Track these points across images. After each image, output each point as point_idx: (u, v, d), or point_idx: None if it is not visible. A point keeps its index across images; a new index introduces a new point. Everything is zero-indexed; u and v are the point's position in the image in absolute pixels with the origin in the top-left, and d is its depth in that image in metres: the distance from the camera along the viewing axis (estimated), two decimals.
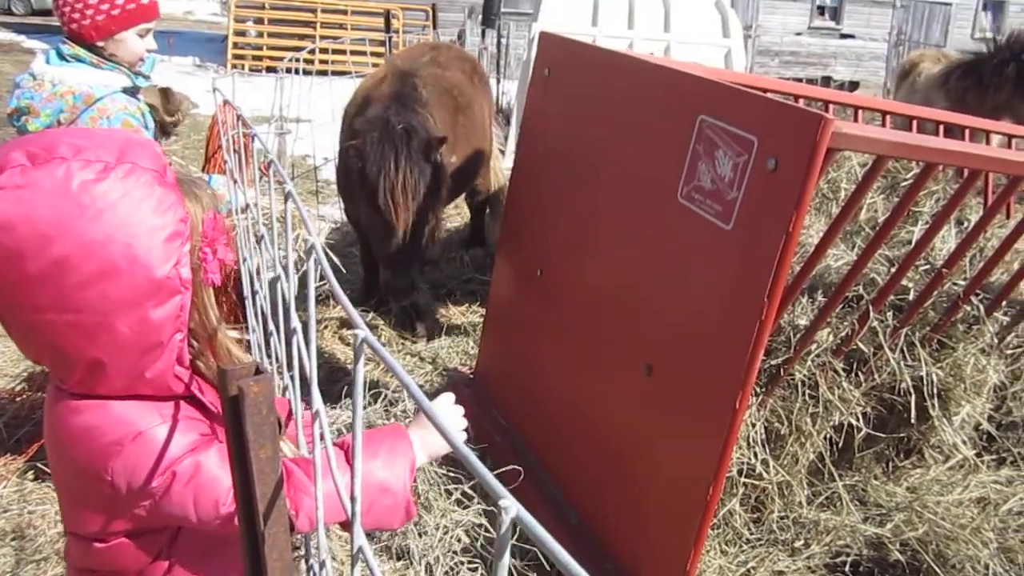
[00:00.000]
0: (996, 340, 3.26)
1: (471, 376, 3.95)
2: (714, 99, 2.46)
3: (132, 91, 3.07)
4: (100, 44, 2.99)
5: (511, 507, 0.74)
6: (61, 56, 2.97)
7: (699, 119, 2.48)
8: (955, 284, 3.23)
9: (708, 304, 2.45)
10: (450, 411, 1.84)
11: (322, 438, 1.17)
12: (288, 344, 1.97)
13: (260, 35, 19.44)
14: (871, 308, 2.90)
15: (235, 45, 18.99)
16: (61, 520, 1.59)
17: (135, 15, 3.03)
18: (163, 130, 3.27)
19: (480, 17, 16.20)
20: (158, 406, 1.41)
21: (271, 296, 2.43)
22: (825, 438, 3.09)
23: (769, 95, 3.50)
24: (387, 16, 10.04)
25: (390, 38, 8.96)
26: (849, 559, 3.13)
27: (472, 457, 0.87)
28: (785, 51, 23.06)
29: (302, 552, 1.47)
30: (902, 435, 3.29)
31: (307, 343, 1.56)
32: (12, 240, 1.23)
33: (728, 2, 12.13)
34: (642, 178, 2.78)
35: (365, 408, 3.85)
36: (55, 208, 1.24)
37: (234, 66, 18.17)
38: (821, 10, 23.56)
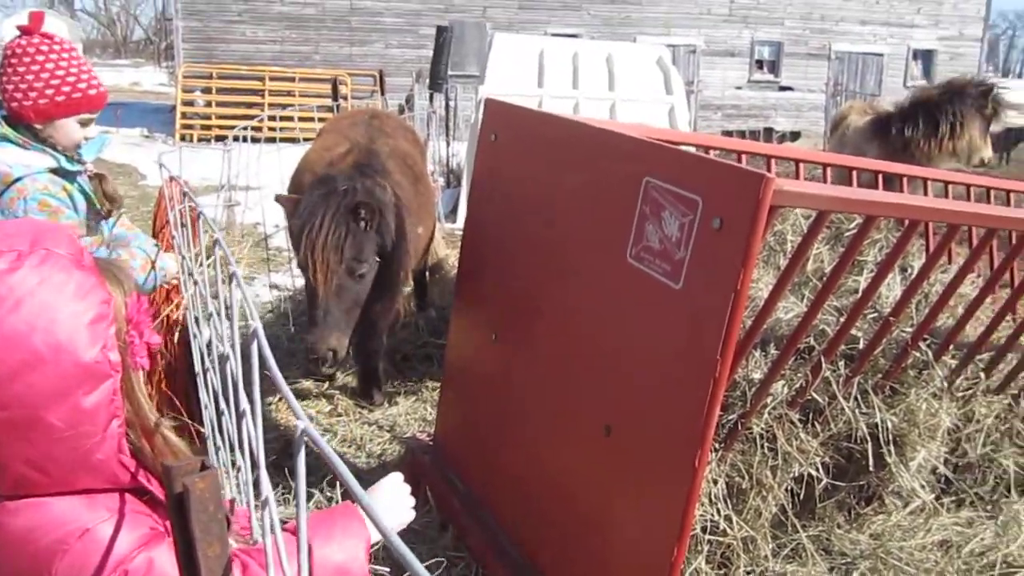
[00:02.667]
0: (946, 384, 3.32)
1: (430, 443, 3.90)
2: (658, 161, 2.50)
3: (64, 173, 3.01)
4: (38, 126, 2.95)
5: None
6: None
7: (645, 181, 2.52)
8: (903, 331, 3.28)
9: (662, 363, 2.46)
10: (397, 492, 1.82)
11: (274, 527, 1.15)
12: (238, 429, 1.93)
13: (208, 104, 19.47)
14: (823, 359, 2.94)
15: (183, 115, 18.99)
16: None
17: (80, 104, 3.00)
18: (95, 215, 3.21)
19: (427, 81, 16.43)
20: (103, 500, 1.34)
21: (222, 374, 2.40)
22: (786, 490, 3.09)
23: (712, 153, 3.59)
24: (334, 83, 10.14)
25: (338, 105, 9.02)
26: None
27: (408, 556, 0.85)
28: (727, 104, 23.69)
29: None
30: (862, 483, 3.30)
31: (254, 426, 1.53)
32: None
33: (670, 60, 12.48)
34: (592, 240, 2.80)
35: (319, 488, 3.78)
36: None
37: (183, 136, 18.14)
38: (760, 64, 24.29)
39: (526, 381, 3.15)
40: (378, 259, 4.13)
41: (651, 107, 11.38)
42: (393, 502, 1.80)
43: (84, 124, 3.07)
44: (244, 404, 1.94)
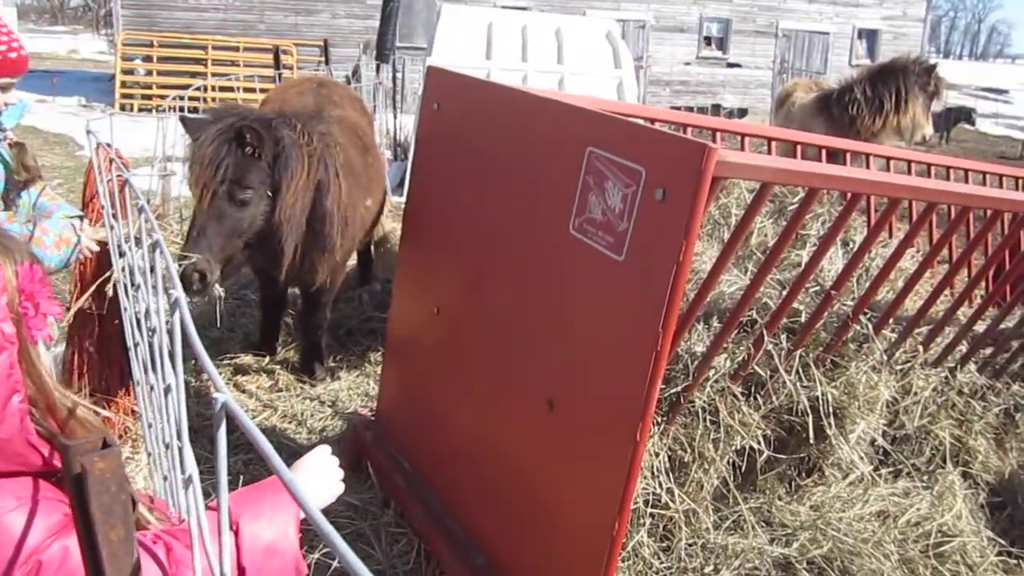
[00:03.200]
0: (885, 357, 3.35)
1: (372, 418, 3.84)
2: (601, 131, 2.46)
3: None
4: None
5: None
6: None
7: (588, 151, 2.47)
8: (844, 304, 3.30)
9: (605, 336, 2.43)
10: (324, 465, 1.77)
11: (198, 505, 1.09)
12: (166, 403, 1.85)
13: (149, 73, 18.92)
14: (765, 332, 2.94)
15: (123, 84, 18.43)
16: None
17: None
18: (14, 185, 3.08)
19: (374, 52, 16.17)
20: (10, 487, 1.26)
21: (149, 347, 2.31)
22: (728, 463, 3.10)
23: (658, 125, 3.55)
24: (276, 52, 9.90)
25: (280, 74, 8.81)
26: None
27: (333, 536, 0.80)
28: (675, 81, 23.76)
29: None
30: (802, 455, 3.33)
31: (177, 401, 1.46)
32: None
33: (619, 35, 12.44)
34: (535, 211, 2.76)
35: (251, 464, 3.70)
36: None
37: (122, 106, 17.62)
38: (708, 41, 24.39)
39: (469, 355, 3.10)
40: (270, 194, 3.91)
41: (600, 81, 11.33)
42: (320, 476, 1.75)
43: (3, 89, 2.93)
44: (170, 378, 1.87)
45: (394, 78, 11.84)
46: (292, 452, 4.00)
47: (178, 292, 1.49)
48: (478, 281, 3.05)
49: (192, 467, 1.21)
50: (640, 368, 2.25)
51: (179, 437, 1.39)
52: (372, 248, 6.03)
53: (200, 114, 4.07)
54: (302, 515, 1.54)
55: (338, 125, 4.55)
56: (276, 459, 0.94)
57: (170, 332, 1.54)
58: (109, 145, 3.41)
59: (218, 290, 4.01)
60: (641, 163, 2.28)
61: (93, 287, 3.42)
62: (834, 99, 6.59)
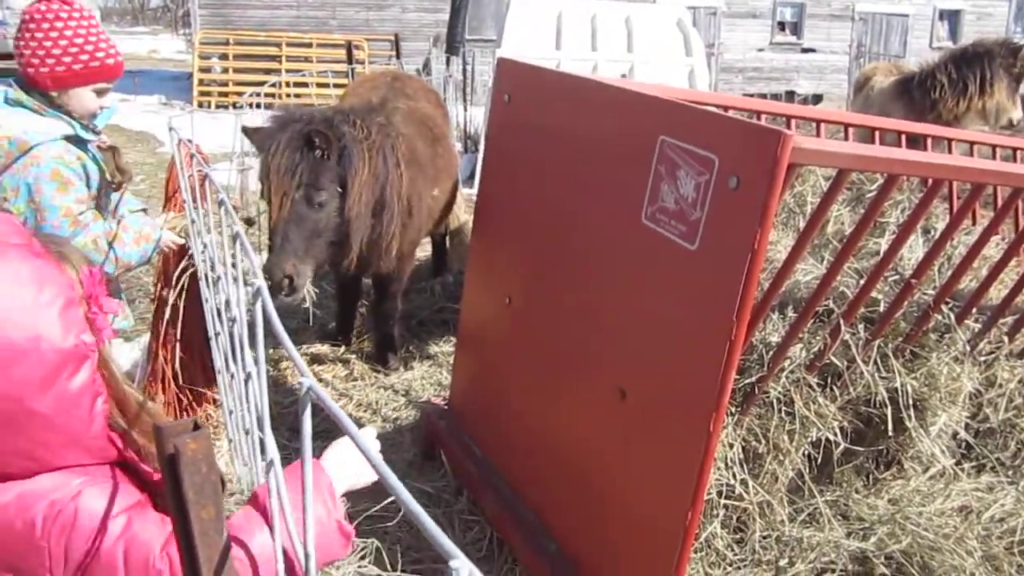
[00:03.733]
0: (968, 347, 3.25)
1: (445, 407, 3.89)
2: (673, 119, 2.44)
3: (77, 140, 2.99)
4: (53, 93, 2.92)
5: (463, 568, 0.69)
6: (6, 100, 2.90)
7: (660, 140, 2.46)
8: (924, 294, 3.22)
9: (678, 325, 2.42)
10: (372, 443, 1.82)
11: (280, 489, 1.13)
12: (246, 391, 1.91)
13: (225, 71, 19.38)
14: (842, 321, 2.88)
15: (201, 82, 18.91)
16: None
17: (97, 73, 2.97)
18: (107, 186, 3.20)
19: (444, 45, 16.28)
20: (92, 470, 1.35)
21: (230, 337, 2.38)
22: (803, 454, 3.06)
23: (731, 113, 3.51)
24: (349, 47, 10.04)
25: (353, 69, 8.94)
26: (834, 575, 3.09)
27: (425, 519, 0.82)
28: (748, 67, 23.34)
29: None
30: (880, 447, 3.26)
31: (259, 387, 1.51)
32: None
33: (690, 22, 12.27)
34: (606, 201, 2.75)
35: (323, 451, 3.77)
36: None
37: (200, 103, 18.10)
38: (782, 26, 23.88)
39: (540, 345, 3.12)
40: (339, 190, 4.00)
41: (670, 69, 11.22)
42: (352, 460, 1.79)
43: (100, 93, 3.04)
44: (251, 366, 1.93)
45: (464, 71, 11.91)
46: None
47: (259, 282, 1.54)
48: (549, 271, 3.06)
49: (273, 451, 1.25)
50: (714, 357, 2.23)
51: (260, 425, 1.44)
52: (447, 239, 6.09)
53: (262, 123, 4.15)
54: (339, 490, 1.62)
55: (402, 115, 4.60)
56: (361, 439, 0.97)
57: (251, 322, 1.58)
58: (190, 141, 3.52)
59: (308, 291, 4.11)
60: (714, 151, 2.26)
61: (176, 280, 3.54)
62: (915, 83, 6.40)
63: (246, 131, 4.21)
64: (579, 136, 2.90)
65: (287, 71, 19.02)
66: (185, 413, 3.89)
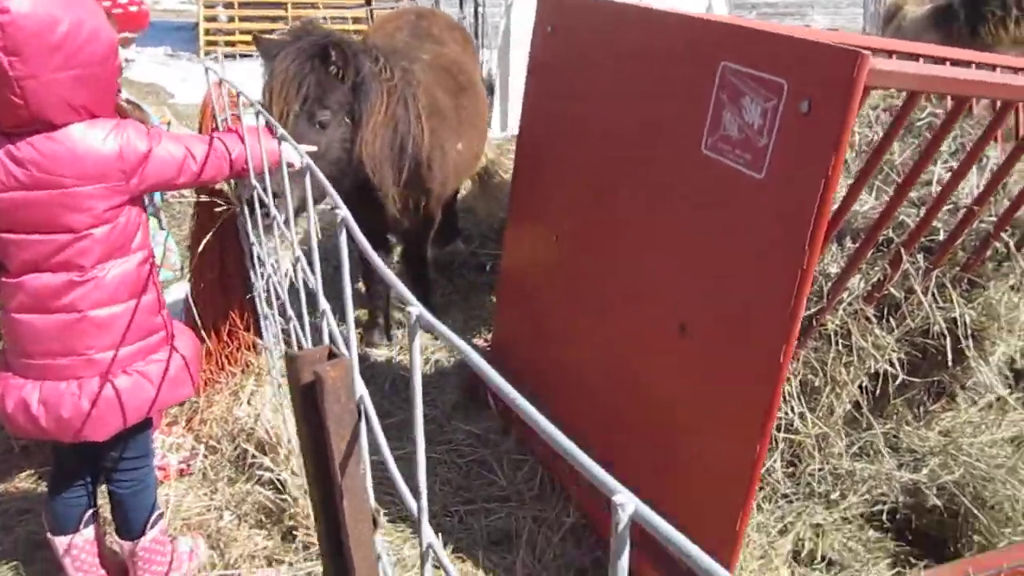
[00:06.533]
0: None
1: (488, 348, 3.86)
2: (736, 43, 2.36)
3: None
4: None
5: (628, 503, 0.65)
6: None
7: (721, 66, 2.38)
8: (983, 222, 3.15)
9: (743, 256, 2.37)
10: None
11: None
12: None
13: (231, 19, 19.07)
14: (903, 251, 2.82)
15: (206, 32, 18.62)
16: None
17: (120, 22, 2.91)
18: None
19: None
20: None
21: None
22: (860, 387, 3.02)
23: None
24: None
25: (371, 11, 8.73)
26: (886, 507, 3.08)
27: (578, 453, 0.78)
28: (761, 2, 22.82)
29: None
30: (934, 379, 3.22)
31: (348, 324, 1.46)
32: (35, 24, 2.00)
33: None
34: (661, 132, 2.68)
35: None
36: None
37: (206, 53, 17.85)
38: None
39: (592, 282, 3.07)
40: (348, 121, 3.62)
41: (688, 2, 10.97)
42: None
43: (123, 44, 2.97)
44: (323, 304, 1.87)
45: (476, 12, 11.69)
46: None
47: (343, 212, 1.48)
48: (601, 207, 3.00)
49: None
50: (784, 288, 2.19)
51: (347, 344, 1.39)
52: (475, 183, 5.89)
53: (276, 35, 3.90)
54: None
55: (426, 64, 4.31)
56: (474, 356, 0.92)
57: (314, 282, 1.51)
58: (224, 83, 3.44)
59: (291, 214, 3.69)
60: (783, 75, 2.18)
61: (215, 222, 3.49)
62: (950, 11, 6.19)
63: (256, 39, 3.88)
64: (630, 65, 2.82)
65: (294, 18, 18.71)
66: (226, 359, 3.87)
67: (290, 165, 2.69)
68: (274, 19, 18.62)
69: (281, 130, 2.14)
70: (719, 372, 2.48)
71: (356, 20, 11.59)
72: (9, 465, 3.53)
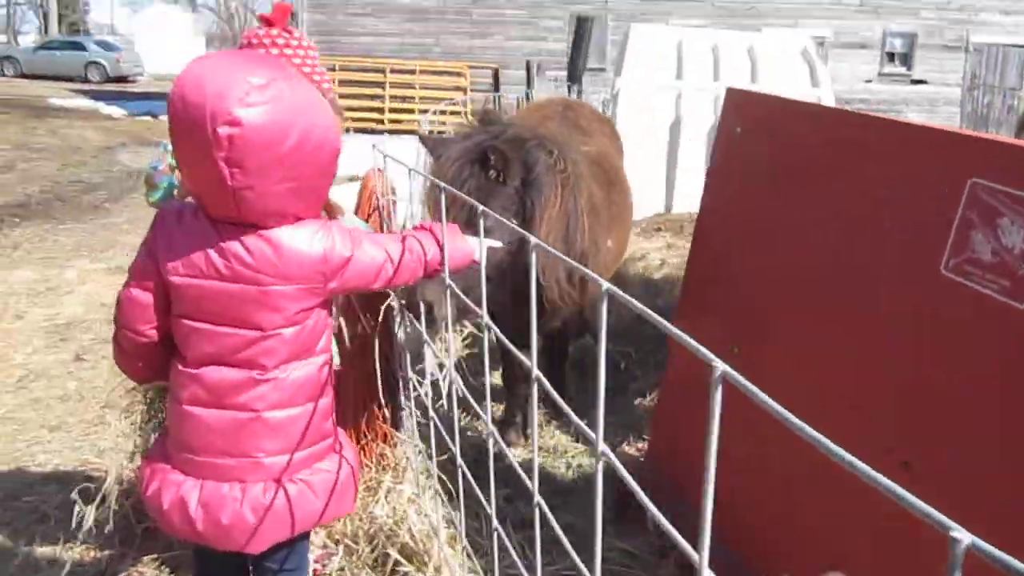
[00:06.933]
0: None
1: (641, 459, 3.63)
2: (992, 158, 2.16)
3: None
4: None
5: (964, 538, 0.65)
6: None
7: (970, 183, 2.18)
8: None
9: (986, 392, 2.12)
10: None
11: None
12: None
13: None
14: None
15: None
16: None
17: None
18: None
19: (545, 72, 16.18)
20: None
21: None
22: None
23: None
24: (496, 73, 9.94)
25: (498, 96, 8.79)
26: None
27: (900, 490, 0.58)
28: (855, 99, 22.66)
29: None
30: None
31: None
32: (265, 138, 1.89)
33: (815, 51, 11.92)
34: (880, 247, 2.47)
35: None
36: (293, 108, 1.95)
37: None
38: (891, 56, 23.19)
39: (784, 405, 2.83)
40: (514, 220, 3.44)
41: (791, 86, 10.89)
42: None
43: None
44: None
45: (579, 97, 11.75)
46: (556, 486, 3.86)
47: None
48: (797, 323, 2.79)
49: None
50: None
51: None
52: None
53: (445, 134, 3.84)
54: None
55: (583, 156, 4.14)
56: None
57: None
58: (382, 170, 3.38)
59: (448, 324, 3.57)
60: None
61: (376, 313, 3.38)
62: None
63: (421, 138, 3.84)
64: (842, 174, 2.63)
65: (391, 97, 19.24)
66: (363, 451, 3.72)
67: (475, 262, 2.60)
68: (372, 97, 19.22)
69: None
70: (945, 513, 2.20)
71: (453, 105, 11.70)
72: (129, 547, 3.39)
